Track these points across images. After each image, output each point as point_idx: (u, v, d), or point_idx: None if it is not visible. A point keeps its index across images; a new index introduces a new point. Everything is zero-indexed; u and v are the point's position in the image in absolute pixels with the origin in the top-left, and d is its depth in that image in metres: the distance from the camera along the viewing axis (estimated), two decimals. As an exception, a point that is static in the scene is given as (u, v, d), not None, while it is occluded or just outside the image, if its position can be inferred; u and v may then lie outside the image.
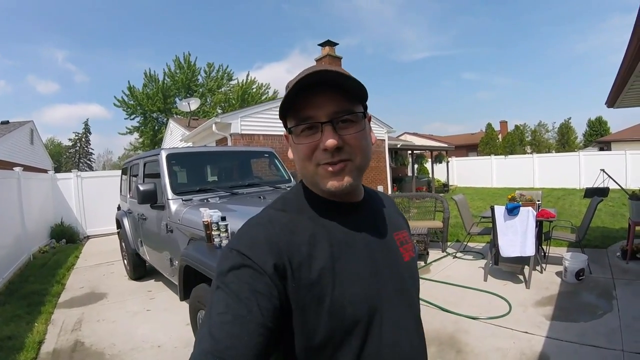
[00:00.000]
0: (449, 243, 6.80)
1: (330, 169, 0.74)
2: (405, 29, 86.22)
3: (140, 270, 5.97)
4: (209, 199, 3.97)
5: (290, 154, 0.83)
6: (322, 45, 11.01)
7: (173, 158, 4.35)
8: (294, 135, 0.77)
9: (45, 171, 12.08)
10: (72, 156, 47.60)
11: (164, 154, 4.27)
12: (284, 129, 0.81)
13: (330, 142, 0.72)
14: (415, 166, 18.45)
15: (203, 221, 2.95)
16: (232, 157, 5.19)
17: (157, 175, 4.32)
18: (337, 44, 11.12)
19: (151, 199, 3.96)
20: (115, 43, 72.39)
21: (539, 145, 32.51)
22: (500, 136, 30.61)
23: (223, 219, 2.89)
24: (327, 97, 0.74)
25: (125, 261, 6.33)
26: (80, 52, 74.63)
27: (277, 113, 0.80)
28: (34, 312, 4.77)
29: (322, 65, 0.77)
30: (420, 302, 3.26)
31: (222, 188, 4.33)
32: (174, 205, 3.87)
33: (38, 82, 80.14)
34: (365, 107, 0.82)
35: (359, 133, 0.77)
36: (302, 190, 0.85)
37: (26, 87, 79.45)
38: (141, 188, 3.90)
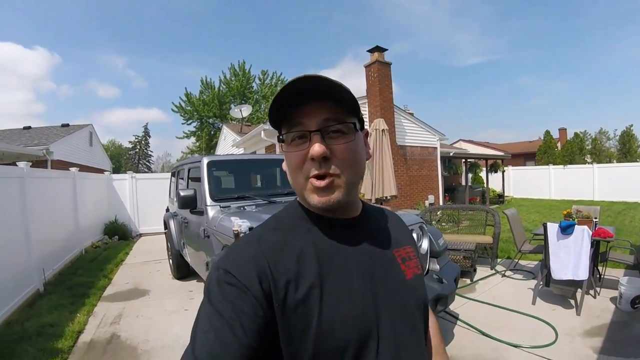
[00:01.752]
0: (498, 260, 6.47)
1: (316, 183, 0.72)
2: (457, 33, 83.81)
3: (183, 270, 6.12)
4: (246, 207, 4.01)
5: (284, 166, 0.80)
6: (371, 51, 10.86)
7: (214, 165, 4.45)
8: (285, 144, 0.76)
9: (102, 171, 12.76)
10: (132, 157, 50.03)
11: (205, 161, 4.38)
12: None
13: (317, 150, 0.70)
14: (469, 175, 17.75)
15: (233, 230, 2.96)
16: (272, 165, 5.22)
17: (199, 180, 4.43)
18: (387, 49, 10.91)
19: (191, 204, 4.07)
20: (172, 50, 75.67)
21: (599, 154, 30.68)
22: (559, 144, 29.14)
23: (251, 229, 2.88)
24: (319, 106, 0.72)
25: (170, 261, 6.53)
26: (138, 59, 78.61)
27: None
28: (78, 303, 5.03)
29: (313, 74, 0.71)
30: (460, 324, 3.10)
31: (261, 196, 4.36)
32: (211, 212, 3.94)
33: (99, 87, 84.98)
34: (362, 121, 0.80)
35: (349, 144, 0.74)
36: (297, 207, 0.83)
37: (87, 90, 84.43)
38: (181, 194, 4.02)
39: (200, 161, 4.44)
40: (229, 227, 3.18)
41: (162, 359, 3.52)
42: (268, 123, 8.58)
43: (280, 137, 0.76)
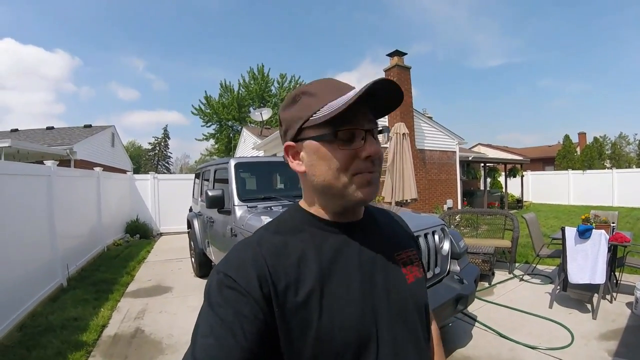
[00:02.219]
0: (517, 264, 6.51)
1: (368, 177, 0.74)
2: (477, 34, 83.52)
3: (205, 268, 6.29)
4: (272, 207, 4.14)
5: (301, 167, 0.78)
6: (391, 55, 10.95)
7: (241, 167, 4.61)
8: (325, 142, 0.73)
9: (124, 172, 13.06)
10: (151, 158, 50.76)
11: (232, 163, 4.54)
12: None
13: (377, 149, 0.73)
14: (488, 180, 17.56)
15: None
16: (297, 166, 5.35)
17: (226, 181, 4.58)
18: (406, 53, 10.97)
19: (218, 204, 4.21)
20: (192, 54, 77.33)
21: (618, 159, 30.12)
22: (578, 149, 28.72)
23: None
24: (367, 107, 0.74)
25: (193, 259, 6.71)
26: (159, 62, 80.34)
27: None
28: (102, 298, 5.18)
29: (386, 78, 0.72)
30: (478, 325, 3.20)
31: (287, 197, 4.49)
32: (239, 211, 4.08)
33: (119, 89, 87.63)
34: None
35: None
36: (299, 210, 0.83)
37: (108, 92, 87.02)
38: (210, 194, 4.16)
39: (227, 163, 4.60)
40: (258, 227, 3.32)
41: None
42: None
43: (325, 135, 0.73)
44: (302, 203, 0.84)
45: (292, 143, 0.78)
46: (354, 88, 0.75)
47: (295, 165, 0.79)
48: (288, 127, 0.78)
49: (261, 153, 13.14)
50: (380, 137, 0.80)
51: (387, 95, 0.74)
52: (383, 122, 9.27)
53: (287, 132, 0.79)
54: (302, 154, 0.77)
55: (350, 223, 0.81)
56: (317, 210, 0.81)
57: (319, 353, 0.68)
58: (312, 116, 0.74)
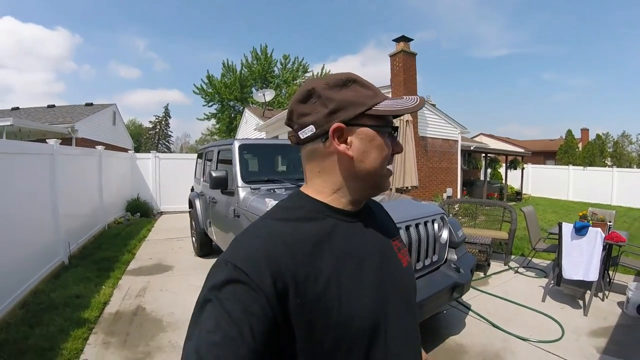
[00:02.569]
0: (512, 256, 6.58)
1: (390, 171, 0.83)
2: (482, 24, 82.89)
3: (206, 248, 6.39)
4: (276, 190, 4.19)
5: (348, 151, 0.77)
6: (397, 40, 10.85)
7: (245, 148, 4.63)
8: (380, 133, 0.78)
9: (125, 150, 13.06)
10: (151, 137, 50.60)
11: (237, 144, 4.56)
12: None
13: (402, 147, 0.83)
14: (489, 170, 17.48)
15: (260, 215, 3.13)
16: (299, 151, 5.35)
17: (230, 162, 4.61)
18: (412, 39, 10.85)
19: (222, 184, 4.25)
20: (194, 33, 76.51)
21: (620, 158, 30.14)
22: (580, 145, 28.71)
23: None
24: None
25: (194, 238, 6.79)
26: (160, 41, 79.68)
27: None
28: (103, 276, 5.23)
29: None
30: (472, 314, 3.28)
31: (289, 180, 4.53)
32: (242, 193, 4.11)
33: (120, 68, 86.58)
34: None
35: None
36: (304, 198, 0.82)
37: (109, 71, 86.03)
38: (214, 174, 4.19)
39: (232, 144, 4.62)
40: (262, 208, 3.37)
41: None
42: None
43: (381, 128, 0.78)
44: (308, 190, 0.83)
45: (342, 125, 0.75)
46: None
47: (344, 149, 0.76)
48: (340, 108, 0.76)
49: (263, 134, 13.15)
50: None
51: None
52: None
53: (336, 113, 0.76)
54: (351, 138, 0.77)
55: (356, 211, 0.83)
56: (325, 198, 0.80)
57: (339, 341, 0.69)
58: (374, 106, 0.76)
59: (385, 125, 0.79)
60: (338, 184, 0.80)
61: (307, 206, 0.79)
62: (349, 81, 0.78)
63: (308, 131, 0.78)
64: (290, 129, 0.85)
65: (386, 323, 0.76)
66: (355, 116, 0.76)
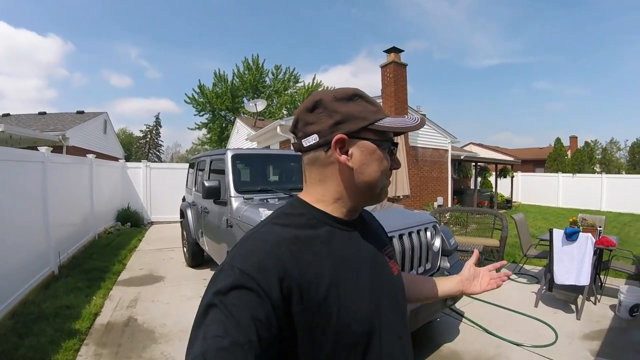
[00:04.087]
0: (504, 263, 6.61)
1: (389, 184, 0.87)
2: (475, 34, 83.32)
3: (198, 258, 6.35)
4: (269, 200, 4.18)
5: (349, 162, 0.80)
6: (388, 51, 10.94)
7: (238, 158, 4.62)
8: (381, 148, 0.82)
9: (116, 159, 12.96)
10: (142, 146, 50.22)
11: (229, 154, 4.55)
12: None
13: (400, 164, 0.89)
14: (479, 179, 17.70)
15: (261, 221, 3.12)
16: (293, 160, 5.33)
17: (222, 172, 4.59)
18: (403, 50, 10.96)
19: (215, 194, 4.23)
20: (187, 42, 76.28)
21: (608, 164, 30.58)
22: (569, 152, 29.05)
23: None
24: None
25: (185, 249, 6.75)
26: (152, 50, 79.12)
27: None
28: (94, 286, 5.16)
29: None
30: (465, 321, 3.30)
31: (282, 189, 4.52)
32: (235, 203, 4.10)
33: (112, 76, 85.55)
34: None
35: None
36: (304, 205, 0.84)
37: (101, 79, 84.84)
38: (206, 184, 4.18)
39: (224, 154, 4.61)
40: (256, 218, 3.36)
41: (181, 342, 3.63)
42: (285, 119, 8.70)
43: (381, 142, 0.82)
44: (307, 197, 0.85)
45: (345, 136, 0.79)
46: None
47: (345, 160, 0.79)
48: (345, 120, 0.79)
49: (255, 144, 13.14)
50: None
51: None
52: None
53: (340, 124, 0.79)
54: (352, 150, 0.80)
55: (353, 221, 0.87)
56: (326, 207, 0.83)
57: (338, 345, 0.72)
58: (377, 121, 0.81)
59: (385, 140, 0.83)
60: (338, 193, 0.83)
61: (307, 214, 0.82)
62: (356, 96, 0.82)
63: (311, 140, 0.81)
64: (294, 136, 0.88)
65: (380, 327, 0.79)
66: (358, 129, 0.79)
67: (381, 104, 10.69)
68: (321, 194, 0.84)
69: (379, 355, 0.78)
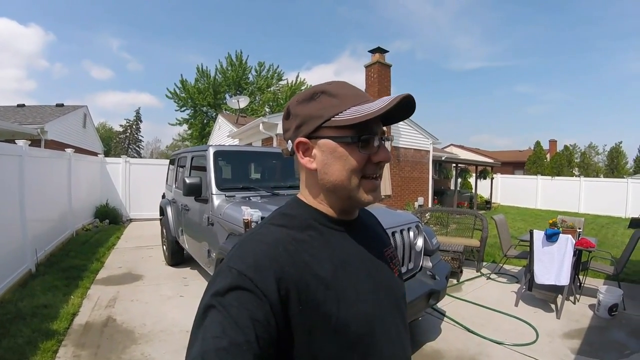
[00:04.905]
0: (484, 263, 6.70)
1: (376, 183, 0.79)
2: (458, 36, 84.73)
3: (177, 257, 6.24)
4: (251, 198, 4.13)
5: (312, 164, 0.78)
6: (373, 52, 10.97)
7: (220, 155, 4.55)
8: (343, 144, 0.75)
9: (95, 154, 12.72)
10: (122, 141, 49.54)
11: (211, 151, 4.47)
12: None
13: (389, 155, 0.78)
14: (459, 180, 18.01)
15: (243, 219, 3.07)
16: (275, 158, 5.29)
17: (203, 169, 4.52)
18: (388, 51, 10.99)
19: (196, 192, 4.15)
20: (170, 35, 75.45)
21: (587, 168, 31.30)
22: (548, 156, 29.62)
23: (262, 218, 3.01)
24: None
25: (165, 247, 6.64)
26: (134, 42, 78.05)
27: None
28: (72, 285, 5.04)
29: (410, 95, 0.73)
30: (447, 320, 3.31)
31: (264, 187, 4.48)
32: (217, 200, 4.05)
33: (93, 68, 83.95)
34: None
35: None
36: (303, 206, 0.83)
37: (81, 71, 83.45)
38: (187, 181, 4.09)
39: (206, 150, 4.53)
40: (238, 216, 3.31)
41: (161, 343, 3.58)
42: (267, 116, 8.58)
43: (349, 138, 0.74)
44: (305, 198, 0.84)
45: (305, 139, 0.77)
46: (370, 97, 0.78)
47: (307, 162, 0.78)
48: (303, 123, 0.78)
49: (236, 141, 13.02)
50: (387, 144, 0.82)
51: (403, 108, 0.75)
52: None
53: (300, 127, 0.78)
54: (314, 151, 0.78)
55: (351, 221, 0.85)
56: (322, 207, 0.82)
57: (339, 345, 0.71)
58: (334, 117, 0.75)
59: (351, 135, 0.75)
60: (319, 195, 0.82)
61: (305, 214, 0.81)
62: (317, 93, 0.78)
63: (289, 146, 0.82)
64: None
65: (380, 329, 0.78)
66: (314, 129, 0.76)
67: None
68: (310, 194, 0.83)
69: (381, 358, 0.77)
